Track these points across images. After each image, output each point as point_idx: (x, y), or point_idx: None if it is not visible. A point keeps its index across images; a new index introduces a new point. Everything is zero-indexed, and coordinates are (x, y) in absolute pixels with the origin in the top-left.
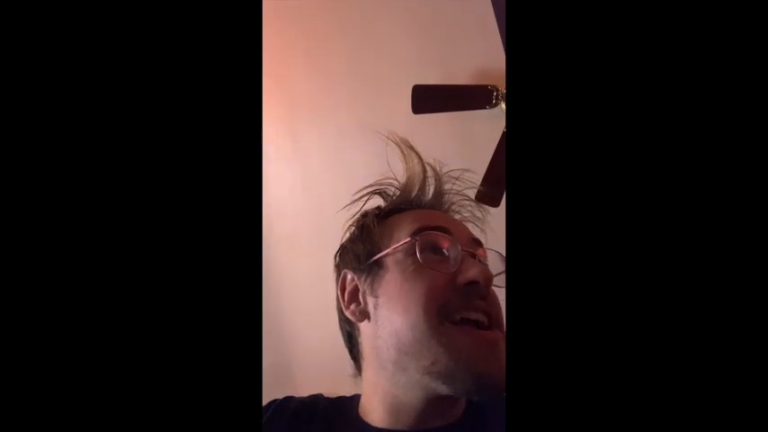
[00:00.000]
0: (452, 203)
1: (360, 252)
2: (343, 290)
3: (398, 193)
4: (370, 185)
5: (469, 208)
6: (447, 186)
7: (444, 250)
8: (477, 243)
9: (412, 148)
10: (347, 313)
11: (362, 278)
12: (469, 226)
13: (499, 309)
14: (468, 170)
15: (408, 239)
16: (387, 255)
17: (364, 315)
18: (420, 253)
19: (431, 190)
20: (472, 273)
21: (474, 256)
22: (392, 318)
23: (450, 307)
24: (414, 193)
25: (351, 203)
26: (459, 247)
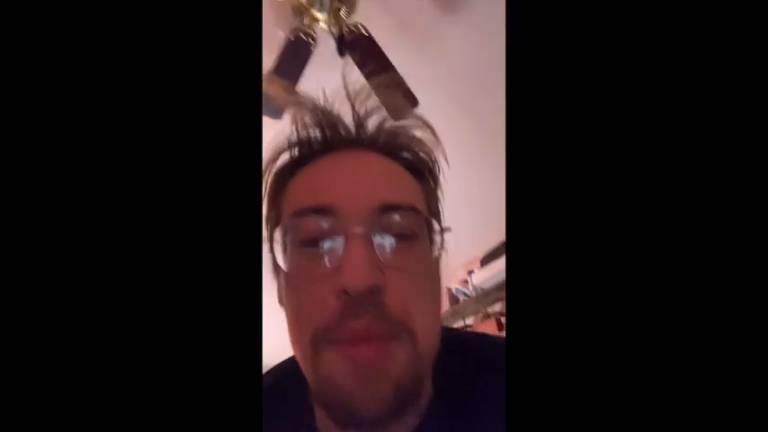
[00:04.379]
0: (382, 130)
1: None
2: None
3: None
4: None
5: (413, 127)
6: (363, 108)
7: (319, 242)
8: (390, 209)
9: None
10: None
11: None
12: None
13: (394, 316)
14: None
15: (269, 235)
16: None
17: None
18: (283, 257)
19: (347, 118)
20: (342, 279)
21: (369, 239)
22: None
23: (324, 327)
24: (327, 133)
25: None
26: (342, 235)
